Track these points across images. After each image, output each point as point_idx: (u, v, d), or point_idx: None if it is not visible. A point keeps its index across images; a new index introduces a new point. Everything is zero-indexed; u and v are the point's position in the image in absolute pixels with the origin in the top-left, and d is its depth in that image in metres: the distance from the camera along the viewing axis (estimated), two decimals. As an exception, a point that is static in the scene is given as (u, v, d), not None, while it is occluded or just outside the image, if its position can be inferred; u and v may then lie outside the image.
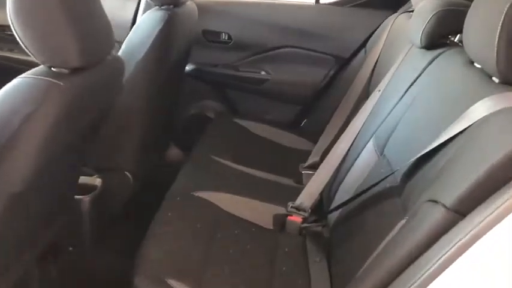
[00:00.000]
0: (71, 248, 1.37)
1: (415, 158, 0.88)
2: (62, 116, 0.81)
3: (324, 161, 1.34)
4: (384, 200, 0.98)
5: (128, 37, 1.38)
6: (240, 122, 1.76)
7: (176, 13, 1.44)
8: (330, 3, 1.88)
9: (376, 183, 1.01)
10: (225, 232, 1.15)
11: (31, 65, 0.84)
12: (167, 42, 1.42)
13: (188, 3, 1.60)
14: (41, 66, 0.85)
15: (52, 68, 0.84)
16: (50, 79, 0.81)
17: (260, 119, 1.83)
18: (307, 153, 1.59)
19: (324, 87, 1.86)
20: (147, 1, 1.77)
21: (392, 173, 0.97)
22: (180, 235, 1.11)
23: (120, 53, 1.37)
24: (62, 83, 0.81)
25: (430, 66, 1.10)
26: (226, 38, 1.87)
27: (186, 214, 1.18)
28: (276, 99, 1.92)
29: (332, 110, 1.65)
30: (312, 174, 1.36)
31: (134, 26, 1.40)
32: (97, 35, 0.89)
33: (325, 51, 1.83)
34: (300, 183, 1.46)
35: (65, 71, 0.84)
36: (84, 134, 1.04)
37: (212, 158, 1.48)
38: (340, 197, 1.23)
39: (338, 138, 1.38)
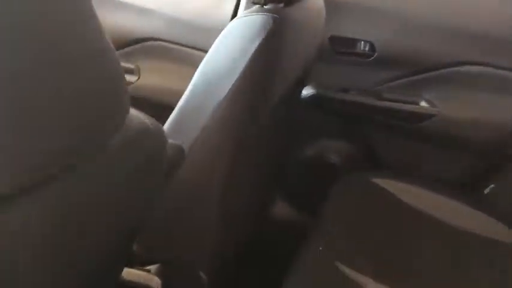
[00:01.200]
0: None
1: None
2: None
3: None
4: None
5: (206, 58, 0.83)
6: (383, 184, 1.15)
7: (288, 16, 0.86)
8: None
9: None
10: None
11: None
12: (273, 63, 0.85)
13: (310, -3, 1.00)
14: None
15: None
16: None
17: (416, 177, 1.24)
18: (503, 249, 0.97)
19: None
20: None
21: None
22: None
23: (191, 84, 0.82)
24: None
25: None
26: (366, 49, 1.30)
27: None
28: (445, 146, 1.32)
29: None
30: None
31: (217, 40, 0.84)
32: (75, 115, 0.40)
33: None
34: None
35: None
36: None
37: (335, 265, 0.88)
38: None
39: None
